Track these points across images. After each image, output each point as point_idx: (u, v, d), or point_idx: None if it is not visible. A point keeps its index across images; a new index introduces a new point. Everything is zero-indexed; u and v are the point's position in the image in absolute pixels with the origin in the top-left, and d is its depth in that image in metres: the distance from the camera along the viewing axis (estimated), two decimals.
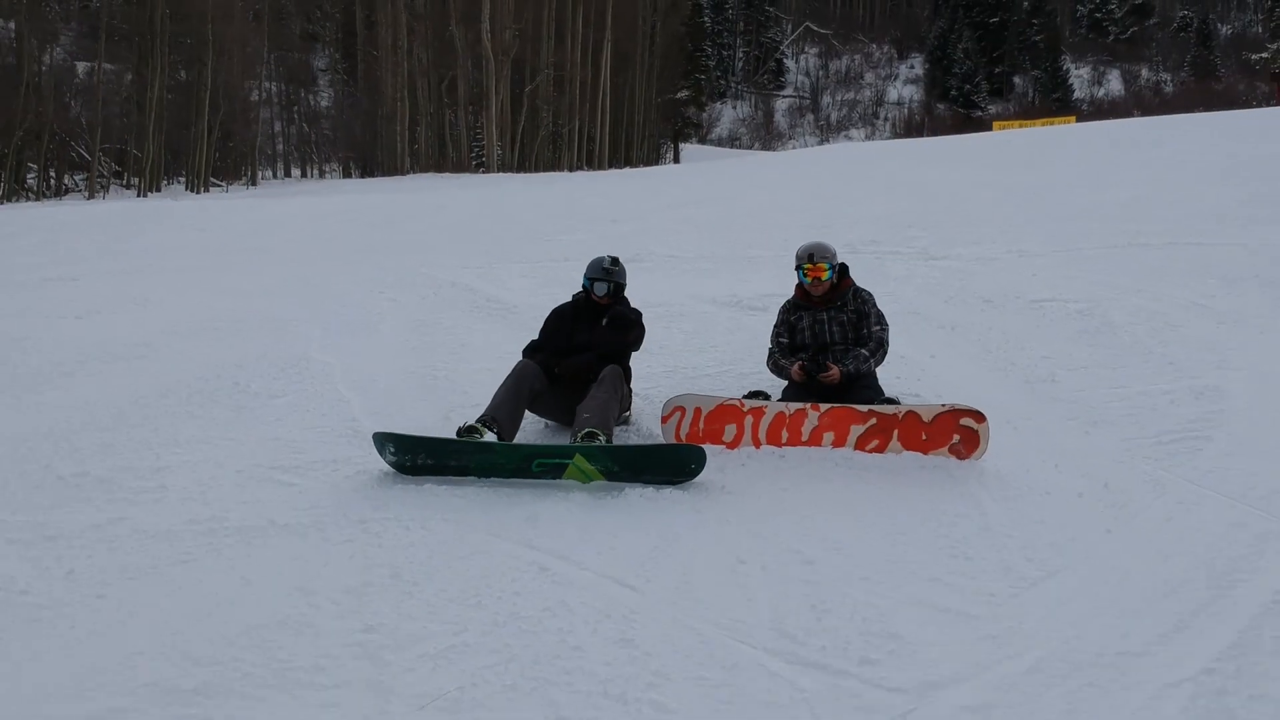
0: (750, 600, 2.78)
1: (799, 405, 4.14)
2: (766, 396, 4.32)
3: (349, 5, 51.35)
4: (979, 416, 3.91)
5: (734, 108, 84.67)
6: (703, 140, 73.13)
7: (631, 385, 4.57)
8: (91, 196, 32.73)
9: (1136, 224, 9.28)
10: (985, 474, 3.66)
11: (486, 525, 3.33)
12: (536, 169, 40.38)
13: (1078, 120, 40.69)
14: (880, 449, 4.00)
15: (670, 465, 3.75)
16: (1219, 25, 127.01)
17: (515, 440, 4.08)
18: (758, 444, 4.13)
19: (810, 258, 4.54)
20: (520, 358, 4.41)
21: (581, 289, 4.64)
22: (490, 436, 3.95)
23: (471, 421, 4.03)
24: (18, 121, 32.82)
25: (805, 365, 4.36)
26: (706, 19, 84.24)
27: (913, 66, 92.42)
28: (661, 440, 4.19)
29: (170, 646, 2.58)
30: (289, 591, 2.87)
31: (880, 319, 4.54)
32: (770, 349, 4.65)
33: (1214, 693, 2.28)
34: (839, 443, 4.06)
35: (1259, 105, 41.71)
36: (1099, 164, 17.46)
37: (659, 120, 50.57)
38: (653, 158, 49.40)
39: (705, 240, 9.83)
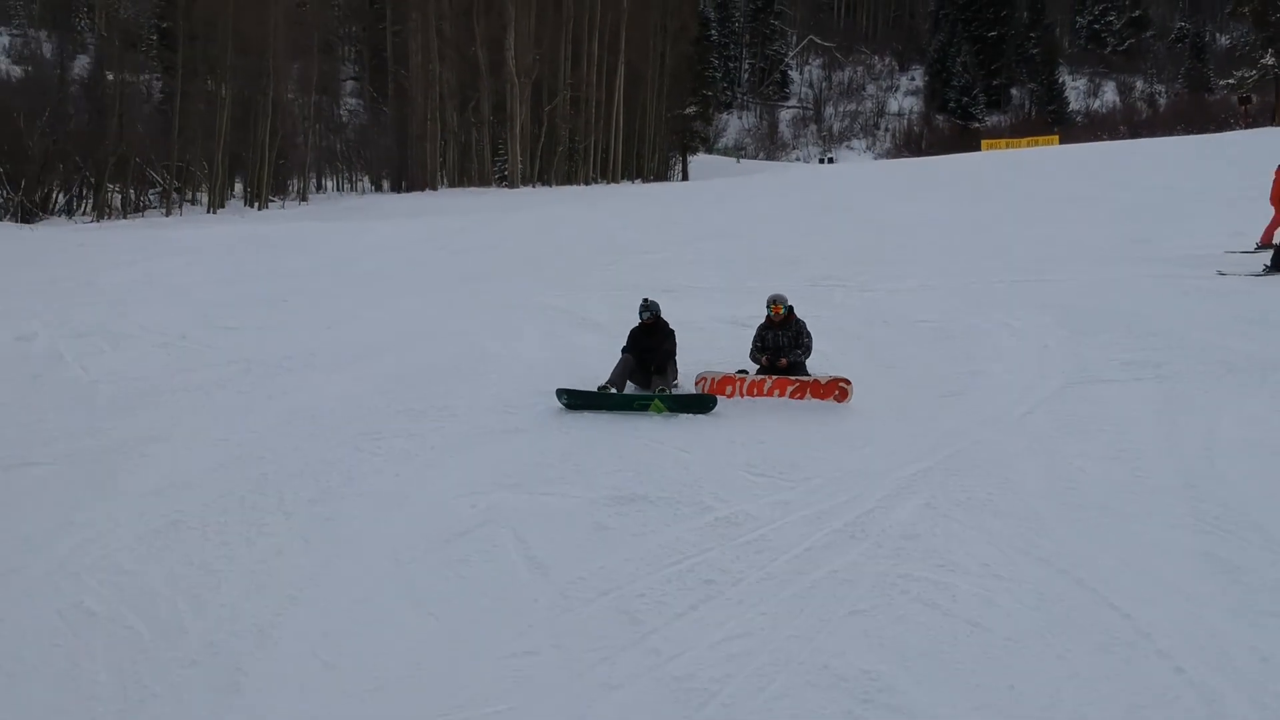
0: (736, 455, 6.76)
1: (763, 377, 8.14)
2: (746, 373, 8.30)
3: (378, 26, 55.23)
4: (848, 381, 7.91)
5: (740, 118, 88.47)
6: (709, 150, 77.07)
7: (677, 367, 8.57)
8: (168, 214, 36.76)
9: (1011, 259, 13.30)
10: (850, 409, 7.63)
11: (615, 428, 7.32)
12: (555, 182, 44.44)
13: (1060, 140, 44.52)
14: (799, 396, 8.00)
15: (700, 405, 7.76)
16: (1218, 35, 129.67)
17: (624, 393, 8.09)
18: (742, 396, 8.14)
19: (774, 301, 8.50)
20: (620, 354, 8.43)
21: (638, 316, 8.66)
22: (612, 390, 7.96)
23: (602, 383, 8.05)
24: (110, 148, 36.89)
25: (769, 360, 8.35)
26: (714, 32, 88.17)
27: (913, 78, 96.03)
28: (694, 393, 8.21)
29: (494, 470, 6.57)
30: (532, 455, 6.87)
31: (808, 335, 8.49)
32: (752, 348, 8.61)
33: (914, 484, 6.23)
34: (780, 395, 8.06)
35: (1237, 124, 45.47)
36: (1038, 199, 21.44)
37: (668, 134, 54.60)
38: (662, 170, 53.38)
39: (713, 274, 13.84)
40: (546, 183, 42.17)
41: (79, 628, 4.80)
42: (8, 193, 34.79)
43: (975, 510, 5.59)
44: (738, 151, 74.68)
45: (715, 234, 18.68)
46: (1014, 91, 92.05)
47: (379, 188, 51.07)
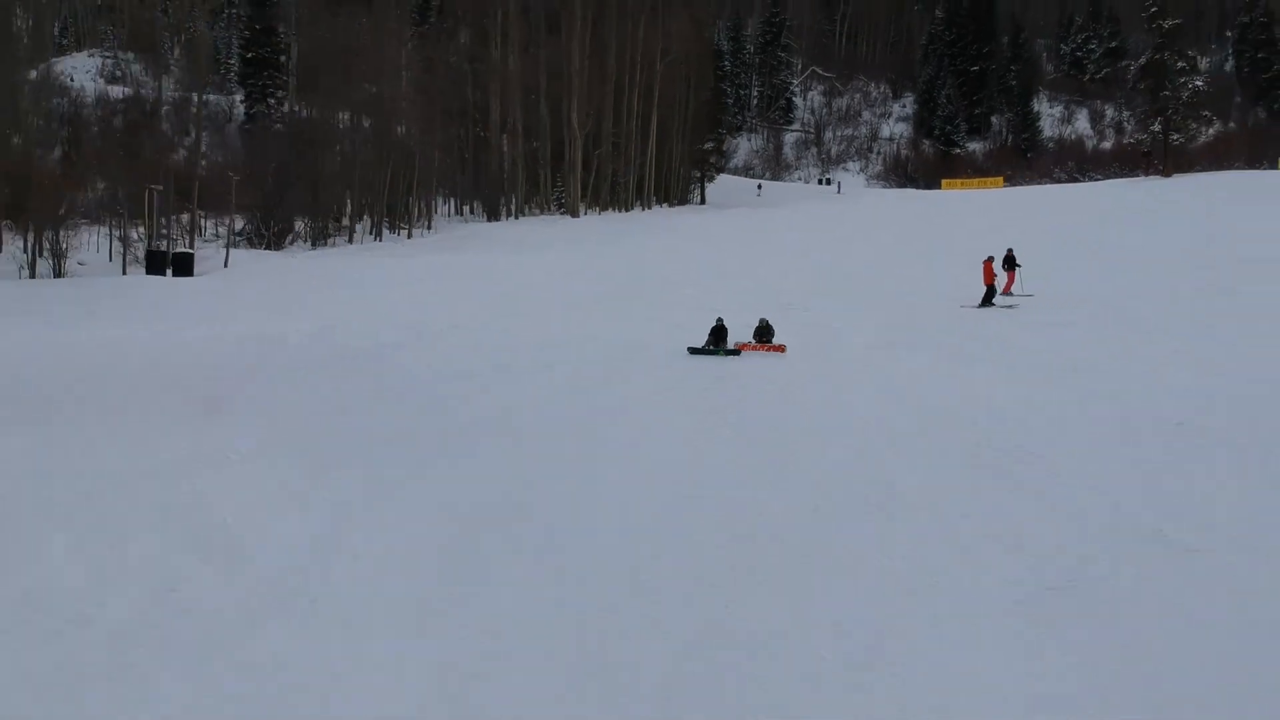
0: (746, 384, 18.04)
1: (756, 344, 19.63)
2: (751, 343, 19.80)
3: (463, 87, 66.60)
4: (784, 347, 19.33)
5: (749, 140, 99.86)
6: (721, 170, 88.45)
7: (728, 342, 20.05)
8: (350, 242, 46.19)
9: (877, 295, 24.68)
10: (784, 359, 18.98)
11: (704, 366, 18.65)
12: (601, 208, 55.96)
13: (1006, 182, 55.91)
14: (770, 352, 19.49)
15: (734, 354, 19.15)
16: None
17: (710, 348, 19.55)
18: (750, 351, 19.64)
19: (761, 321, 19.92)
20: (708, 335, 19.87)
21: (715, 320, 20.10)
22: (709, 348, 19.46)
23: (699, 346, 19.54)
24: (322, 182, 46.52)
25: (756, 341, 19.85)
26: (727, 63, 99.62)
27: (904, 105, 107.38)
28: (733, 350, 19.70)
29: (674, 370, 17.98)
30: (685, 369, 18.22)
31: (772, 330, 19.90)
32: (752, 335, 20.08)
33: (803, 371, 17.61)
34: (763, 351, 19.54)
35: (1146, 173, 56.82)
36: (936, 245, 32.83)
37: (690, 164, 66.15)
38: (685, 194, 64.92)
39: (737, 296, 25.24)
40: (598, 209, 53.73)
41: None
42: (259, 225, 44.71)
43: (816, 375, 16.90)
44: (758, 179, 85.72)
45: (734, 272, 30.14)
46: (994, 119, 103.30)
47: (460, 212, 62.10)
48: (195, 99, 74.11)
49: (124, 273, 31.63)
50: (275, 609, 6.88)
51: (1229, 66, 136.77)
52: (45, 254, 31.37)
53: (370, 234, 45.49)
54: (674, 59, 59.01)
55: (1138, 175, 53.52)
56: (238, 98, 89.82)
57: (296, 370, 14.98)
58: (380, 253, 36.83)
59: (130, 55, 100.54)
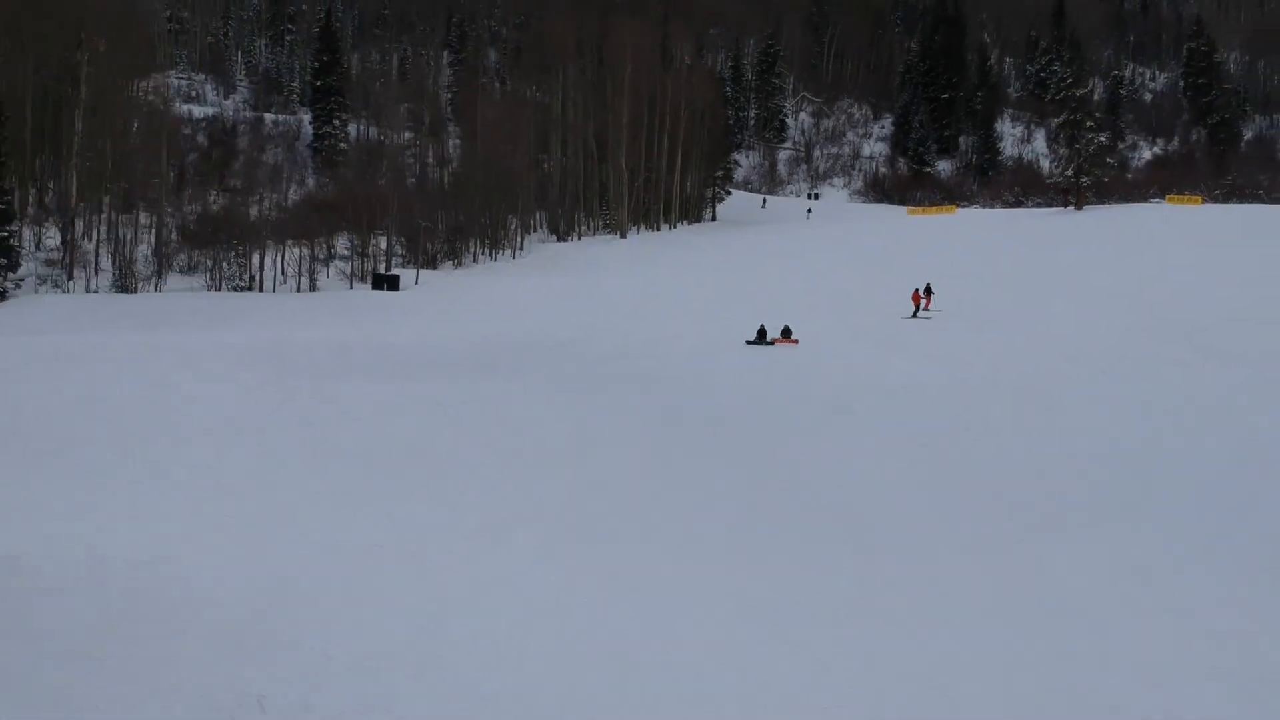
0: (786, 356, 31.70)
1: (783, 339, 33.46)
2: (779, 338, 33.58)
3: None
4: (798, 341, 33.25)
5: (748, 157, 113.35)
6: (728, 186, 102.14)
7: (766, 336, 33.80)
8: (475, 262, 58.32)
9: (848, 307, 38.46)
10: (799, 347, 32.69)
11: (757, 350, 32.31)
12: (639, 226, 69.84)
13: (957, 208, 69.87)
14: (791, 344, 33.33)
15: (770, 345, 33.07)
16: (1145, 89, 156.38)
17: (759, 341, 33.36)
18: (779, 344, 33.47)
19: (785, 326, 33.69)
20: (755, 333, 33.65)
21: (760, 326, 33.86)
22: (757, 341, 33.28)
23: (752, 339, 33.35)
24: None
25: (784, 335, 33.68)
26: (729, 89, 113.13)
27: (883, 126, 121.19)
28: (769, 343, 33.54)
29: (738, 360, 31.77)
30: (749, 358, 32.01)
31: (791, 331, 33.69)
32: (779, 332, 33.83)
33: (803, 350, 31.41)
34: (787, 344, 33.42)
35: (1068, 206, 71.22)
36: (893, 267, 46.57)
37: (704, 186, 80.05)
38: (700, 212, 78.76)
39: (759, 306, 38.95)
40: (637, 228, 67.67)
41: None
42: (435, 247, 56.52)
43: (817, 354, 30.55)
44: (757, 192, 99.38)
45: (751, 292, 43.89)
46: (961, 140, 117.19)
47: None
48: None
49: (350, 288, 45.18)
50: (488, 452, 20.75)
51: (1180, 85, 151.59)
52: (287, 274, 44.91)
53: (485, 254, 57.81)
54: (695, 104, 73.00)
55: (1058, 206, 67.51)
56: (306, 119, 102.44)
57: (530, 349, 28.51)
58: (506, 272, 50.43)
59: (203, 76, 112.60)
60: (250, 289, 43.76)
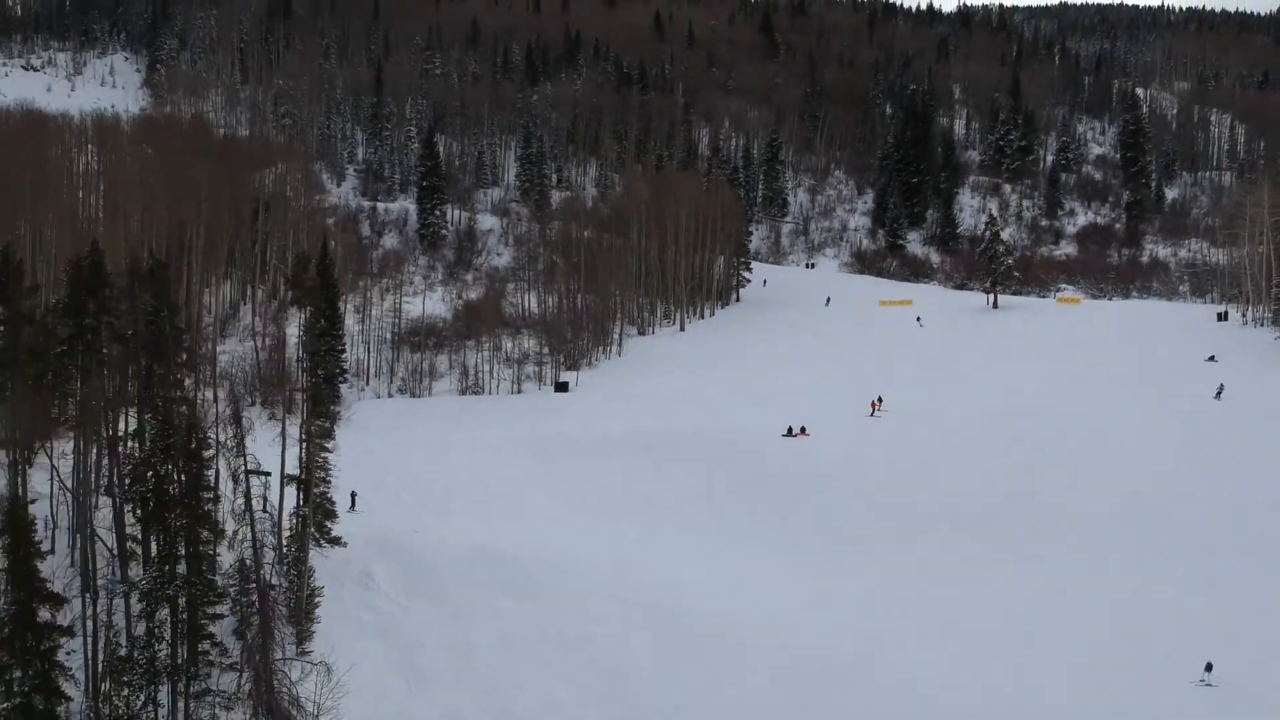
0: (796, 446, 57.26)
1: (801, 433, 59.01)
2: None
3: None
4: (809, 434, 58.91)
5: (756, 230, 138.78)
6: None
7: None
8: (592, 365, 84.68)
9: (833, 401, 63.99)
10: (809, 440, 58.23)
11: (787, 442, 57.85)
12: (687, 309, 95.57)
13: (913, 302, 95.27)
14: (804, 437, 58.98)
15: (793, 437, 58.77)
16: (1101, 133, 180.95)
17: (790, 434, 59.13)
18: (800, 436, 59.17)
19: (791, 427, 59.21)
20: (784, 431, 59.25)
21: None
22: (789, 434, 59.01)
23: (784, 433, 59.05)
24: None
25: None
26: (740, 175, 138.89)
27: (866, 200, 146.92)
28: None
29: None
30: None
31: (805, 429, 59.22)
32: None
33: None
34: (801, 436, 59.11)
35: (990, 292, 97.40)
36: (867, 366, 72.16)
37: (729, 277, 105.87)
38: (728, 296, 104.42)
39: (783, 412, 64.40)
40: (690, 314, 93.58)
41: None
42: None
43: (820, 436, 55.78)
44: (764, 261, 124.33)
45: (777, 389, 69.38)
46: (929, 213, 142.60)
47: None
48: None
49: (538, 390, 70.47)
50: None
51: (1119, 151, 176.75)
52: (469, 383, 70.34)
53: (600, 352, 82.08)
54: (721, 210, 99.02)
55: (985, 295, 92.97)
56: (411, 206, 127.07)
57: (657, 436, 53.86)
58: (620, 372, 75.60)
59: (319, 165, 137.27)
60: (480, 393, 69.16)
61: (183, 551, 27.53)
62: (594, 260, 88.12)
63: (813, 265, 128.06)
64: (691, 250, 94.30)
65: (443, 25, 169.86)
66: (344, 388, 66.11)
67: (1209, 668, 30.82)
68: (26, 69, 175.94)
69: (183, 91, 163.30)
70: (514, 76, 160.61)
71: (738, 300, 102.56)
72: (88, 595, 29.38)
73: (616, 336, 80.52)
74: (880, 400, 58.62)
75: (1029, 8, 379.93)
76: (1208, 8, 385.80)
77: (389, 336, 75.96)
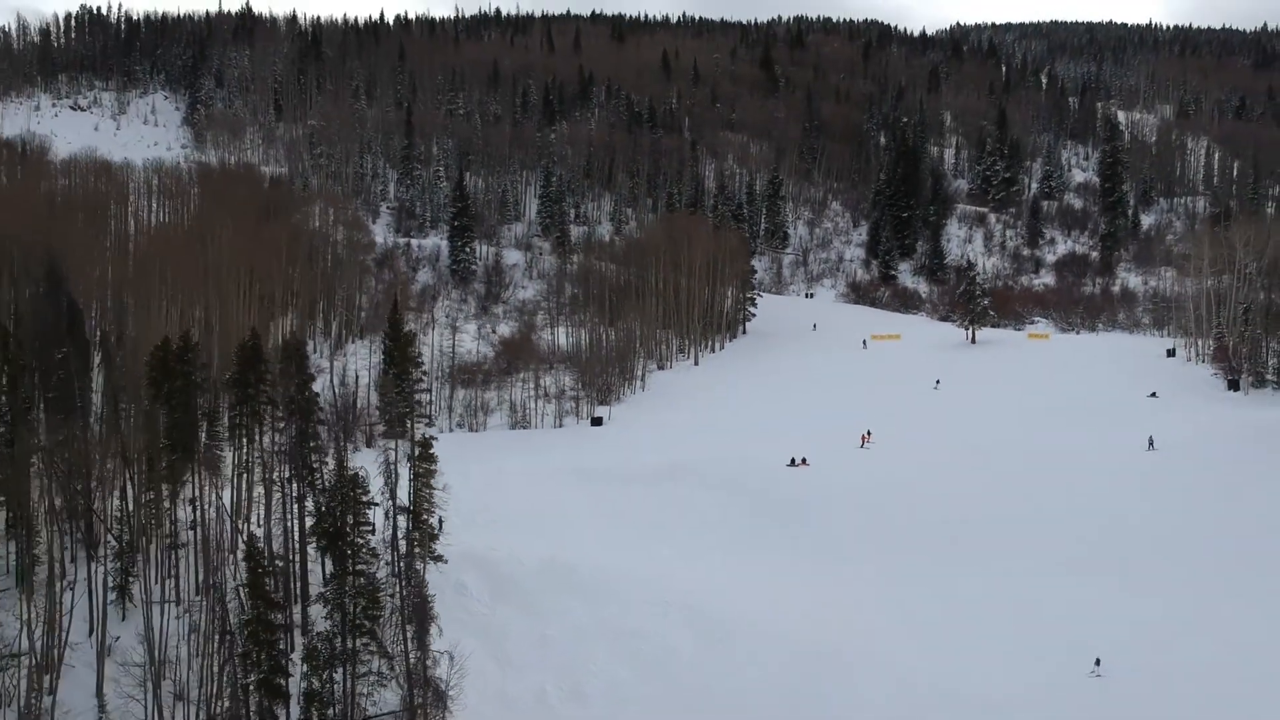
0: (799, 474, 67.46)
1: (801, 462, 69.26)
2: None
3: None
4: (809, 464, 69.24)
5: (759, 261, 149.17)
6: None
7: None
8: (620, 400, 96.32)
9: (830, 432, 74.24)
10: (809, 469, 68.45)
11: (791, 471, 68.08)
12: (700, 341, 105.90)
13: (901, 336, 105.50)
14: (804, 466, 69.28)
15: (795, 467, 69.05)
16: (1085, 158, 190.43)
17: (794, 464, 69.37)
18: (801, 466, 69.45)
19: (793, 458, 69.43)
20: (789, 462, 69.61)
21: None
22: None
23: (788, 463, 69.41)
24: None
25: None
26: (745, 210, 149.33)
27: (860, 233, 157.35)
28: None
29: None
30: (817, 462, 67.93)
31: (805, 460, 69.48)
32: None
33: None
34: (802, 466, 69.45)
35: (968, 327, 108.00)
36: (861, 400, 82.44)
37: (737, 310, 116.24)
38: (735, 328, 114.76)
39: (789, 442, 74.59)
40: (704, 348, 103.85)
41: None
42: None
43: (825, 463, 65.91)
44: (767, 292, 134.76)
45: (789, 420, 79.62)
46: (918, 244, 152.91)
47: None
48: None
49: (576, 423, 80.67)
50: None
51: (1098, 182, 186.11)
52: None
53: (625, 387, 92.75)
54: (728, 250, 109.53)
55: (965, 328, 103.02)
56: (441, 241, 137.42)
57: (679, 467, 64.15)
58: (645, 407, 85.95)
59: (357, 203, 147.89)
60: (528, 426, 79.41)
61: (350, 569, 37.70)
62: (616, 297, 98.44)
63: (811, 295, 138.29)
64: (702, 288, 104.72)
65: (465, 67, 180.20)
66: None
67: (1098, 661, 40.68)
68: (74, 109, 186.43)
69: (221, 130, 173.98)
70: (532, 115, 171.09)
71: (744, 333, 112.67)
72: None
73: (640, 373, 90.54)
74: (869, 434, 68.81)
75: (1022, 24, 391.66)
76: (1194, 25, 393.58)
77: (443, 374, 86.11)
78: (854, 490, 59.29)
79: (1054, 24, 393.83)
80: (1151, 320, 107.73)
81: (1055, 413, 70.07)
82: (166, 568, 46.33)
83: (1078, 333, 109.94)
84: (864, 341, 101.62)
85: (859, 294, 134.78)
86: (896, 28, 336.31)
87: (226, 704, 36.43)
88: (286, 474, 44.48)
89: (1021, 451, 63.05)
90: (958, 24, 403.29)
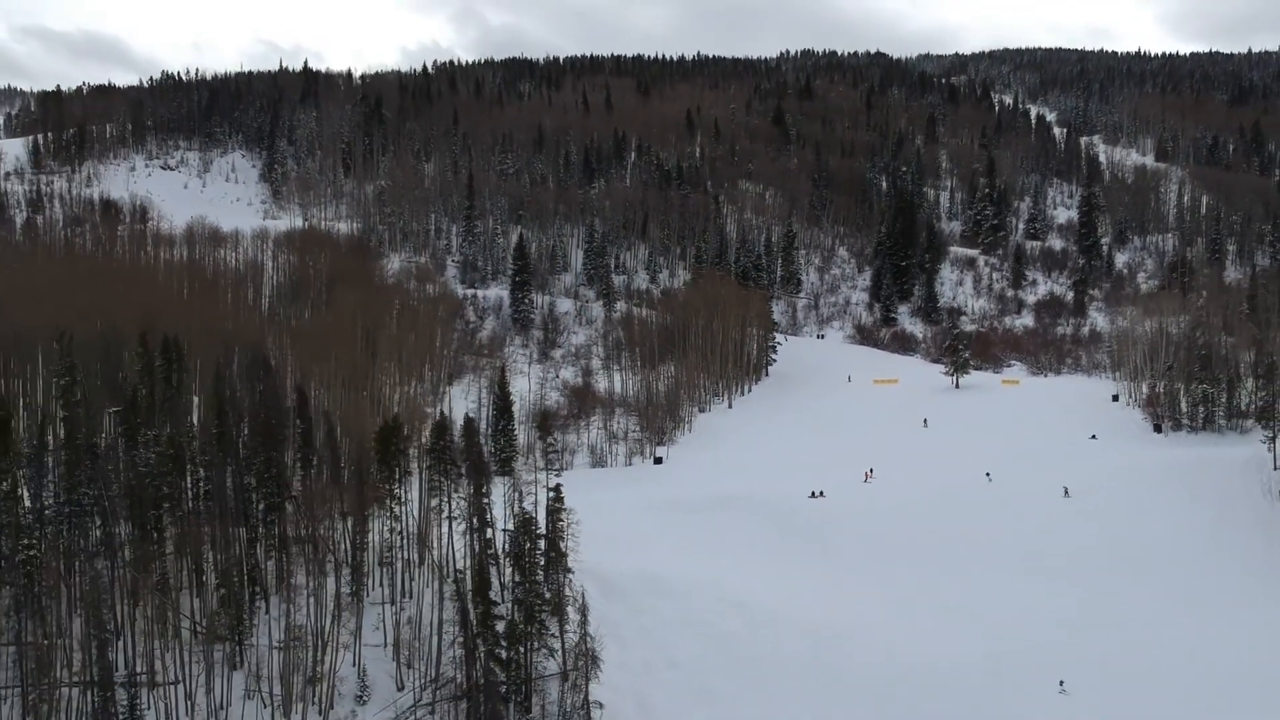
0: (818, 503, 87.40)
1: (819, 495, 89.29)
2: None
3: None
4: (824, 495, 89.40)
5: (775, 305, 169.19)
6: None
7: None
8: (674, 441, 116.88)
9: (840, 469, 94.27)
10: (825, 499, 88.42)
11: (814, 501, 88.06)
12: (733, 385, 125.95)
13: (899, 380, 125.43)
14: (821, 498, 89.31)
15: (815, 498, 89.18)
16: (1070, 196, 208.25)
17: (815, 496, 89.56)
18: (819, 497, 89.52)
19: (821, 490, 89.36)
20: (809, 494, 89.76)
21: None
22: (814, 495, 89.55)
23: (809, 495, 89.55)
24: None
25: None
26: (762, 259, 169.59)
27: (865, 277, 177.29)
28: None
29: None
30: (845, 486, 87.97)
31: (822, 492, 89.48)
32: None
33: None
34: (820, 498, 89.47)
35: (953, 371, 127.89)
36: (866, 442, 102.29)
37: (760, 355, 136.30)
38: (760, 371, 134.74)
39: (808, 477, 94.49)
40: (736, 391, 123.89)
41: None
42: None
43: (835, 492, 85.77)
44: (784, 333, 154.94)
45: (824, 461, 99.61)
46: (915, 289, 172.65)
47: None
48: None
49: (642, 462, 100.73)
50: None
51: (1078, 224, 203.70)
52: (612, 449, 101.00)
53: (678, 429, 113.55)
54: (757, 307, 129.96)
55: (950, 374, 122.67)
56: (503, 293, 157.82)
57: (728, 500, 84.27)
58: (694, 446, 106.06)
59: (424, 258, 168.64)
60: (604, 465, 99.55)
61: (527, 578, 57.90)
62: (657, 341, 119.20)
63: (822, 336, 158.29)
64: (729, 339, 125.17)
65: (512, 130, 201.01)
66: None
67: (1061, 682, 59.95)
68: (164, 169, 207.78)
69: (295, 188, 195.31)
70: (574, 174, 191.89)
71: (767, 375, 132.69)
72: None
73: (687, 417, 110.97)
74: (871, 471, 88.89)
75: (1019, 51, 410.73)
76: (1180, 53, 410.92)
77: (526, 418, 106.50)
78: (859, 515, 79.17)
79: (1048, 52, 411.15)
80: (1109, 363, 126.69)
81: (1014, 454, 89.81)
82: (378, 577, 66.54)
83: (1045, 375, 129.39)
84: (849, 377, 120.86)
85: (863, 335, 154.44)
86: (898, 61, 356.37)
87: (443, 670, 56.71)
88: (465, 510, 64.70)
89: (985, 488, 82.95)
90: (957, 54, 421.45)
